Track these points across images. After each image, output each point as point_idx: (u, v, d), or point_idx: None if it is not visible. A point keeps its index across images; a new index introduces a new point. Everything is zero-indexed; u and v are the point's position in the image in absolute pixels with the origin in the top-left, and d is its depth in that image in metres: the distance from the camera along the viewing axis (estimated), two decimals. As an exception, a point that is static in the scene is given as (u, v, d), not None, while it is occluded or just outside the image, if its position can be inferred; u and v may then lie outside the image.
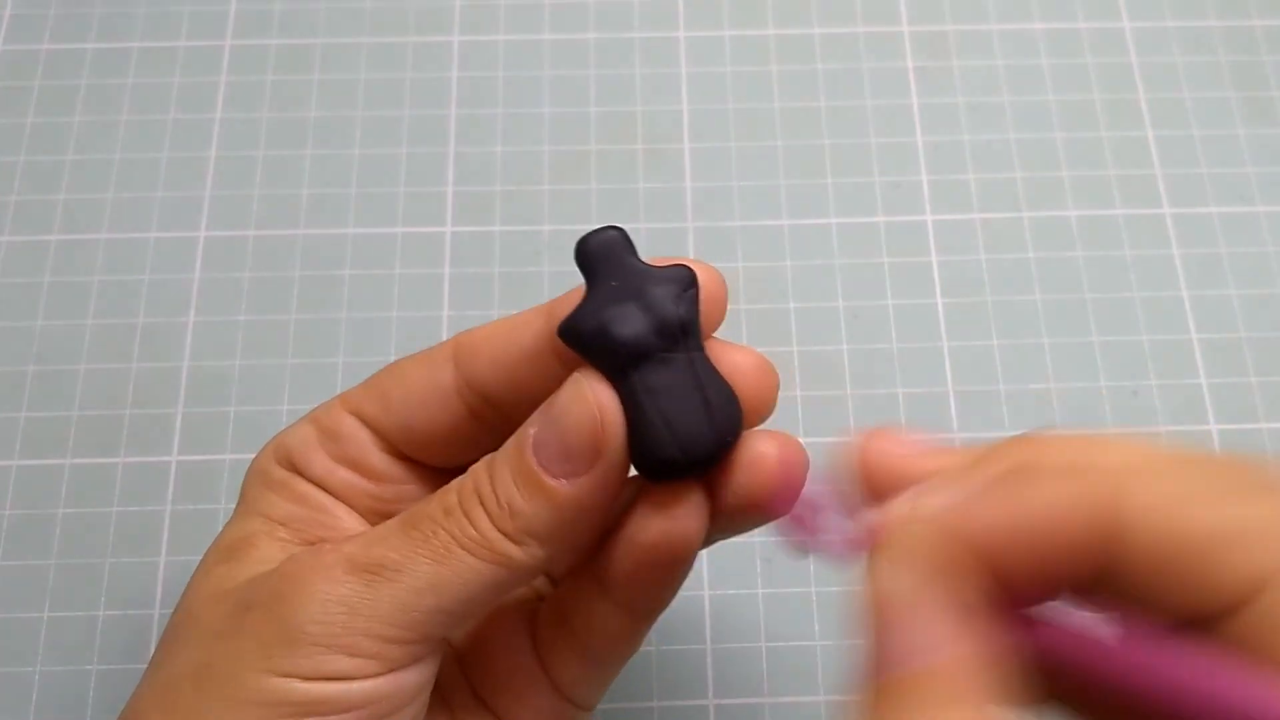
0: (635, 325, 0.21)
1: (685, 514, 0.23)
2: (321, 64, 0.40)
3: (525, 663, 0.25)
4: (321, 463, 0.25)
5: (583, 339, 0.22)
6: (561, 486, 0.22)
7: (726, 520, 0.23)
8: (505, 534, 0.22)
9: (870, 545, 0.19)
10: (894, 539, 0.18)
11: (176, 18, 0.41)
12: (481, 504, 0.22)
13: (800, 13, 0.41)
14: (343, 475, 0.25)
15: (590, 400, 0.21)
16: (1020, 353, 0.36)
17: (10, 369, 0.36)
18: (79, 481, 0.34)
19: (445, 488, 0.23)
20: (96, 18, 0.41)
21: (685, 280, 0.22)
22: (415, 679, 0.22)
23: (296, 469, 0.25)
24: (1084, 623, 0.17)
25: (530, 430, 0.22)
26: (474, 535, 0.22)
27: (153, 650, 0.32)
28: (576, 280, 0.36)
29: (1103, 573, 0.17)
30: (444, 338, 0.36)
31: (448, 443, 0.25)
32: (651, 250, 0.37)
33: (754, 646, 0.33)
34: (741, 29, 0.41)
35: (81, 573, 0.33)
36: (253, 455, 0.33)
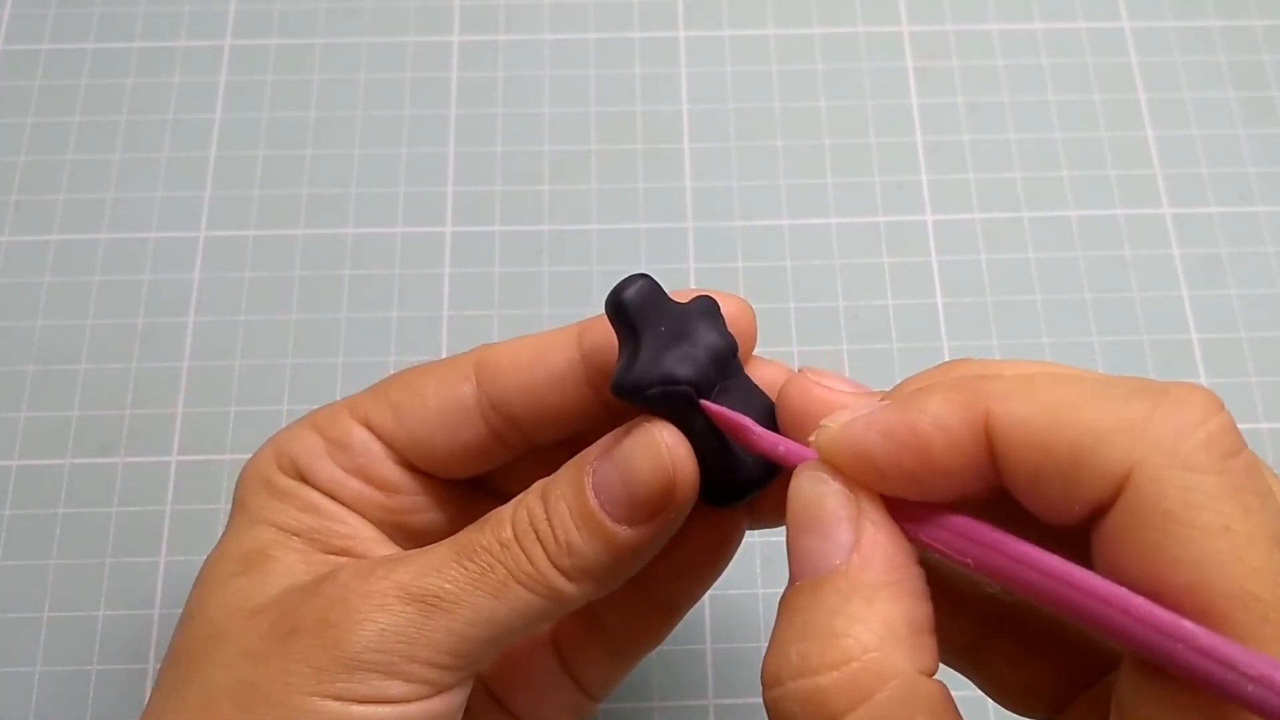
0: (695, 363, 0.22)
1: (733, 528, 0.24)
2: (321, 64, 0.40)
3: (546, 662, 0.25)
4: (331, 473, 0.24)
5: (646, 390, 0.22)
6: (622, 531, 0.22)
7: (762, 522, 0.24)
8: (562, 571, 0.22)
9: (791, 460, 0.20)
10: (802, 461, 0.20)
11: (176, 18, 0.41)
12: (539, 540, 0.22)
13: (800, 13, 0.41)
14: (354, 486, 0.25)
15: (663, 452, 0.21)
16: (1020, 353, 0.36)
17: (10, 369, 0.36)
18: (79, 481, 0.34)
19: (499, 516, 0.23)
20: (96, 18, 0.41)
21: (714, 309, 0.23)
22: (459, 699, 0.22)
23: (304, 478, 0.24)
24: (970, 525, 0.18)
25: (590, 467, 0.22)
26: (530, 571, 0.22)
27: (152, 652, 0.32)
28: (576, 279, 0.37)
29: (994, 489, 0.18)
30: (444, 338, 0.36)
31: (464, 458, 0.25)
32: (652, 250, 0.37)
33: (754, 646, 0.33)
34: (741, 29, 0.41)
35: (82, 573, 0.33)
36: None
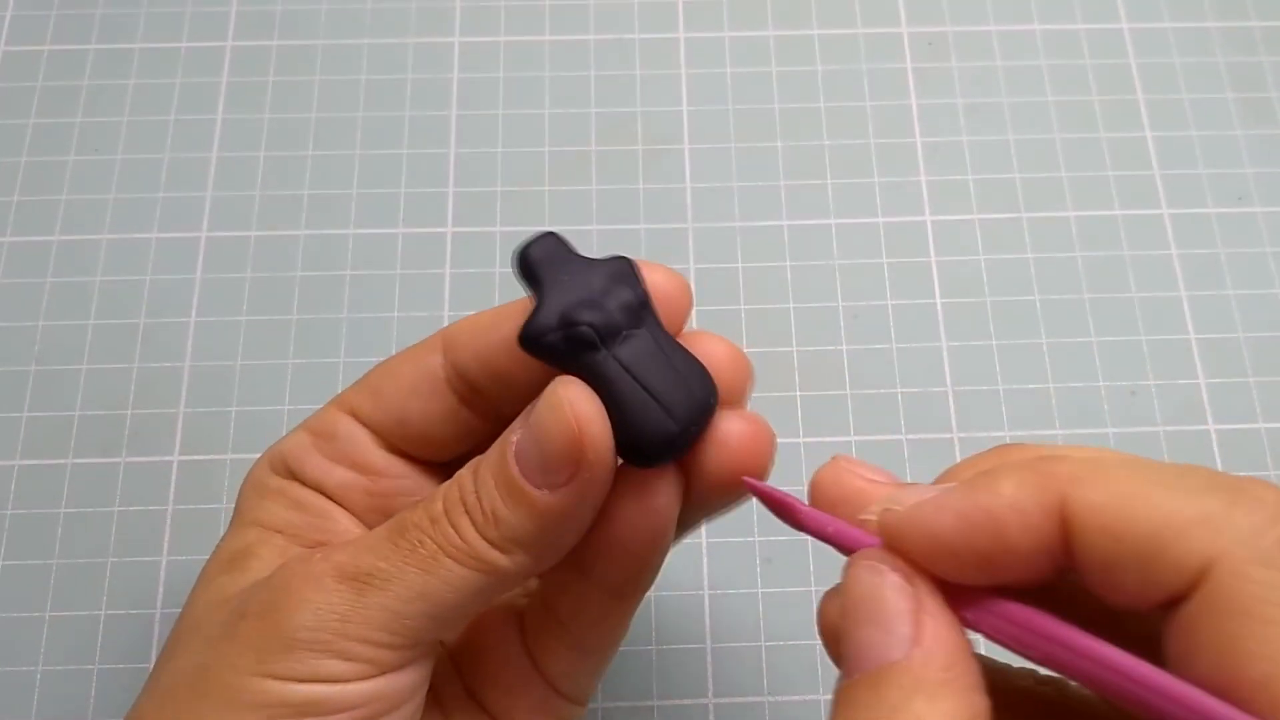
0: (600, 309, 0.21)
1: (660, 495, 0.23)
2: (322, 65, 0.40)
3: (516, 658, 0.25)
4: (317, 464, 0.25)
5: (546, 336, 0.22)
6: (543, 496, 0.22)
7: (699, 501, 0.24)
8: (490, 542, 0.22)
9: (841, 539, 0.20)
10: (868, 544, 0.19)
11: (178, 19, 0.41)
12: (467, 512, 0.22)
13: (800, 14, 0.41)
14: (340, 475, 0.25)
15: (567, 410, 0.21)
16: (1019, 353, 0.36)
17: (12, 369, 0.36)
18: (81, 481, 0.34)
19: (432, 494, 0.23)
20: (98, 19, 0.41)
21: (627, 269, 0.22)
22: (409, 680, 0.22)
23: (293, 474, 0.25)
24: (1033, 617, 0.18)
25: (513, 438, 0.22)
26: (460, 544, 0.22)
27: (153, 651, 0.32)
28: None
29: (1062, 572, 0.18)
30: (445, 338, 0.36)
31: (442, 433, 0.25)
32: (653, 250, 0.37)
33: (753, 646, 0.33)
34: (741, 30, 0.41)
35: (83, 572, 0.33)
36: (254, 455, 0.33)
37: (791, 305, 0.37)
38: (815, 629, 0.32)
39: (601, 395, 0.21)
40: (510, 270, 0.37)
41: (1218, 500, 0.17)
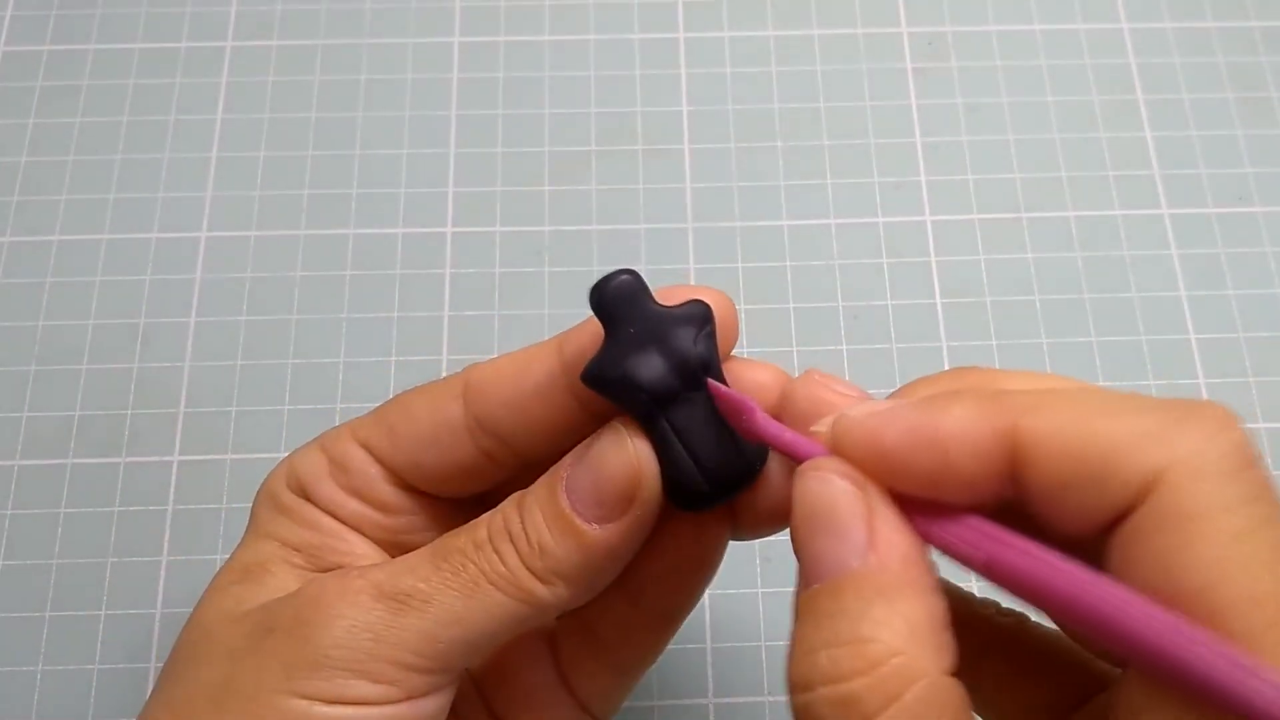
0: (657, 370, 0.22)
1: (710, 532, 0.24)
2: (322, 65, 0.40)
3: (547, 680, 0.25)
4: (331, 492, 0.25)
5: (608, 386, 0.22)
6: (592, 530, 0.22)
7: (746, 532, 0.24)
8: (533, 572, 0.22)
9: (796, 449, 0.20)
10: (819, 454, 0.20)
11: (178, 19, 0.41)
12: (511, 541, 0.22)
13: (800, 14, 0.41)
14: (353, 506, 0.25)
15: (629, 450, 0.22)
16: (1019, 353, 0.36)
17: (12, 369, 0.36)
18: (81, 481, 0.34)
19: (476, 522, 0.23)
20: (98, 19, 0.41)
21: (701, 318, 0.22)
22: (433, 706, 0.22)
23: (308, 496, 0.25)
24: (984, 527, 0.18)
25: (564, 472, 0.22)
26: (503, 572, 0.22)
27: (154, 651, 0.32)
28: (576, 280, 0.37)
29: (1014, 498, 0.18)
30: (444, 338, 0.36)
31: (457, 478, 0.25)
32: (652, 250, 0.37)
33: (754, 646, 0.33)
34: (741, 30, 0.41)
35: (83, 572, 0.33)
36: (254, 455, 0.33)
37: (791, 305, 0.37)
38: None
39: (655, 441, 0.22)
40: (510, 271, 0.37)
41: (1166, 417, 0.17)
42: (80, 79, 0.40)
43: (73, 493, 0.34)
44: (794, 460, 0.20)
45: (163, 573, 0.33)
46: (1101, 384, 0.36)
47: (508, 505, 0.23)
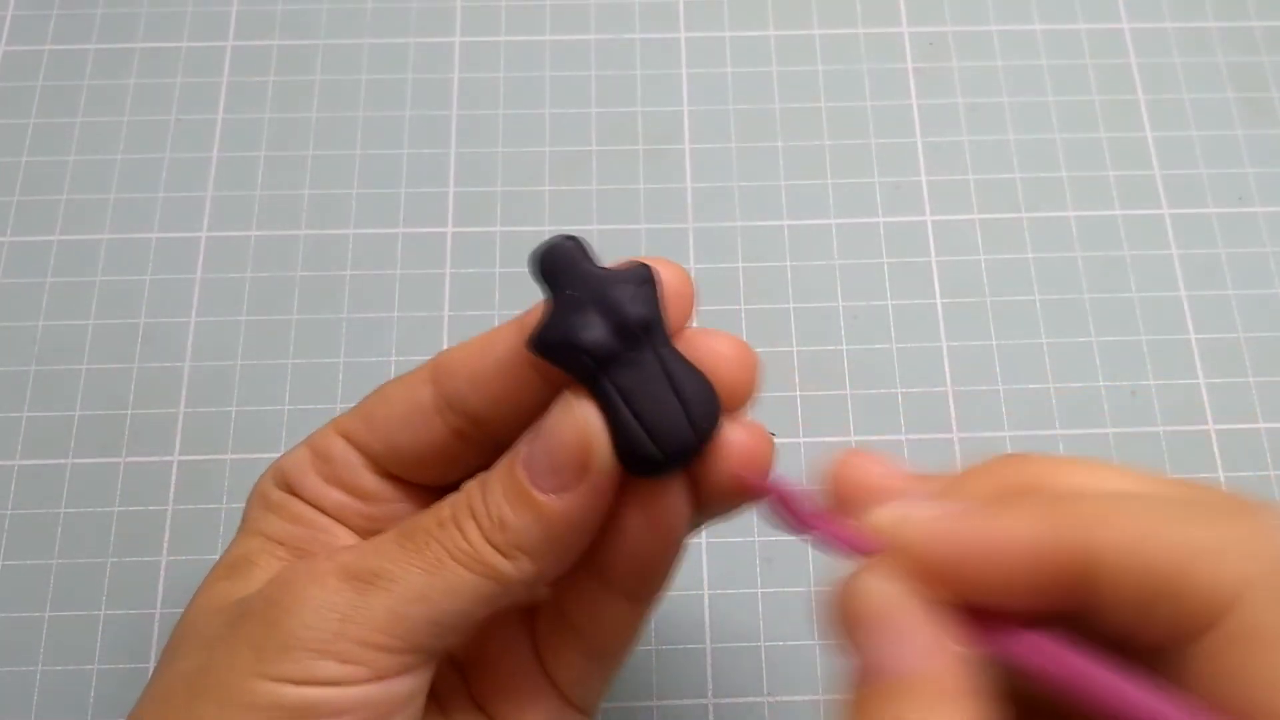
0: (596, 330, 0.22)
1: (669, 504, 0.23)
2: (323, 65, 0.40)
3: (527, 666, 0.25)
4: (314, 484, 0.25)
5: (551, 350, 0.22)
6: (550, 501, 0.22)
7: (709, 504, 0.24)
8: (496, 547, 0.22)
9: (850, 543, 0.20)
10: (877, 555, 0.19)
11: (178, 19, 0.41)
12: (473, 517, 0.22)
13: (800, 14, 0.41)
14: (335, 496, 0.25)
15: (577, 417, 0.22)
16: (1019, 353, 0.36)
17: (12, 369, 0.36)
18: (81, 481, 0.34)
19: (440, 502, 0.23)
20: (99, 19, 0.41)
21: (641, 277, 0.22)
22: (406, 687, 0.22)
23: (293, 490, 0.25)
24: (1049, 644, 0.18)
25: (522, 447, 0.23)
26: (465, 548, 0.22)
27: (153, 651, 0.32)
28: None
29: (1082, 607, 0.18)
30: (444, 338, 0.36)
31: (434, 461, 0.25)
32: (653, 250, 0.37)
33: (753, 646, 0.33)
34: (742, 30, 0.41)
35: (83, 572, 0.33)
36: (254, 455, 0.33)
37: (791, 305, 0.37)
38: (815, 629, 0.33)
39: (603, 404, 0.22)
40: (510, 271, 0.37)
41: (1239, 527, 0.17)
42: (80, 79, 0.40)
43: (72, 493, 0.34)
44: (848, 554, 0.20)
45: (163, 573, 0.33)
46: (1101, 384, 0.36)
47: (471, 484, 0.23)
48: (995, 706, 0.18)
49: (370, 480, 0.25)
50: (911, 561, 0.19)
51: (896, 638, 0.18)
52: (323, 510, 0.25)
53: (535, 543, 0.22)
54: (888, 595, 0.19)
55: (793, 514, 0.21)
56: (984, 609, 0.18)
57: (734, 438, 0.23)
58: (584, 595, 0.25)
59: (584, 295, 0.22)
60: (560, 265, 0.22)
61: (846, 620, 0.19)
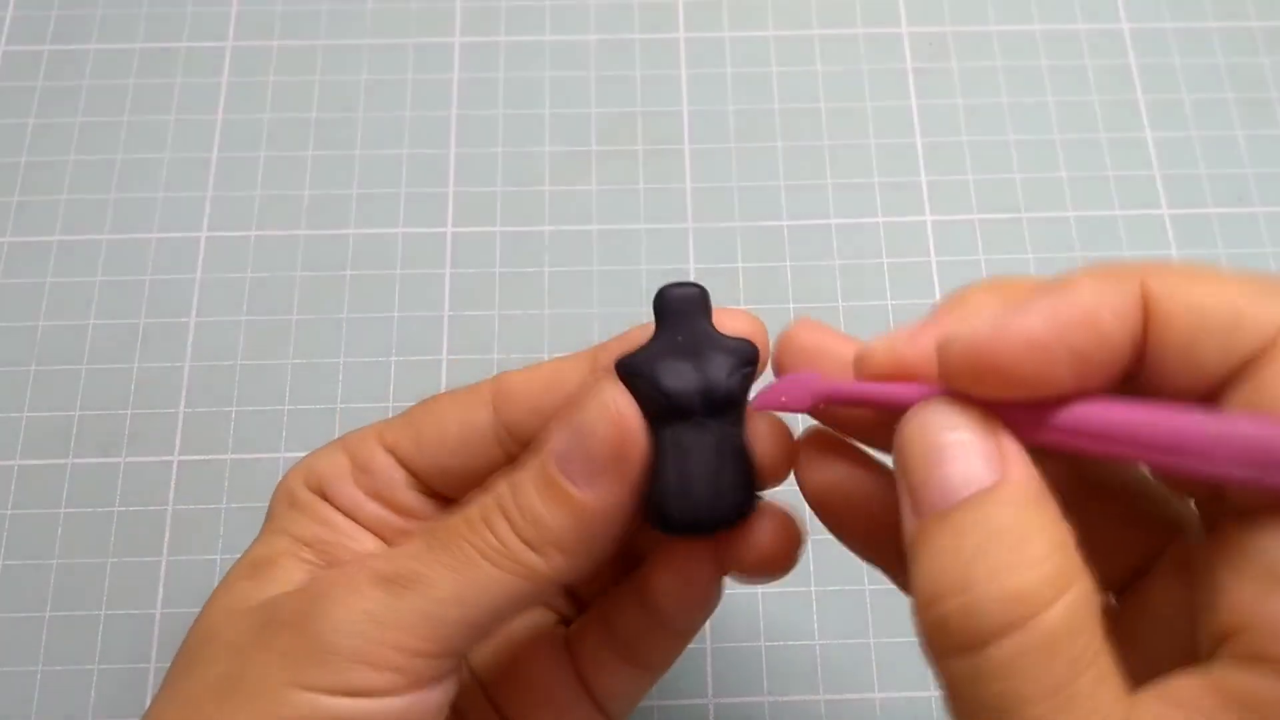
0: (684, 382, 0.22)
1: (695, 572, 0.24)
2: (323, 65, 0.40)
3: (564, 679, 0.25)
4: (351, 494, 0.25)
5: (636, 378, 0.22)
6: (583, 495, 0.22)
7: (737, 572, 0.24)
8: (527, 543, 0.22)
9: (898, 398, 0.20)
10: (914, 396, 0.20)
11: (178, 19, 0.41)
12: (504, 515, 0.22)
13: (800, 14, 0.42)
14: (372, 509, 0.25)
15: (612, 409, 0.22)
16: (1019, 353, 0.36)
17: (12, 369, 0.36)
18: (81, 481, 0.34)
19: (467, 503, 0.23)
20: (98, 19, 0.41)
21: (747, 356, 0.23)
22: (437, 698, 0.22)
23: (325, 495, 0.25)
24: (1102, 402, 0.19)
25: (552, 441, 0.22)
26: (496, 545, 0.22)
27: (154, 651, 0.32)
28: (576, 280, 0.37)
29: (1136, 361, 0.19)
30: (444, 338, 0.36)
31: (482, 482, 0.25)
32: (652, 250, 0.37)
33: (753, 646, 0.33)
34: (741, 30, 0.41)
35: (83, 572, 0.33)
36: (254, 455, 0.33)
37: (791, 305, 0.37)
38: (814, 629, 0.33)
39: (652, 454, 0.22)
40: (510, 271, 0.37)
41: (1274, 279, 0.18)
42: (80, 79, 0.40)
43: (72, 493, 0.34)
44: (888, 410, 0.20)
45: (163, 573, 0.33)
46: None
47: (499, 482, 0.23)
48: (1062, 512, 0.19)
49: (411, 497, 0.25)
50: (969, 376, 0.19)
51: (973, 456, 0.19)
52: (356, 519, 0.25)
53: (567, 538, 0.22)
54: (954, 421, 0.19)
55: (843, 403, 0.22)
56: (1030, 411, 0.19)
57: (763, 531, 0.23)
58: (629, 613, 0.25)
59: (689, 346, 0.22)
60: (683, 309, 0.23)
61: (918, 456, 0.19)
